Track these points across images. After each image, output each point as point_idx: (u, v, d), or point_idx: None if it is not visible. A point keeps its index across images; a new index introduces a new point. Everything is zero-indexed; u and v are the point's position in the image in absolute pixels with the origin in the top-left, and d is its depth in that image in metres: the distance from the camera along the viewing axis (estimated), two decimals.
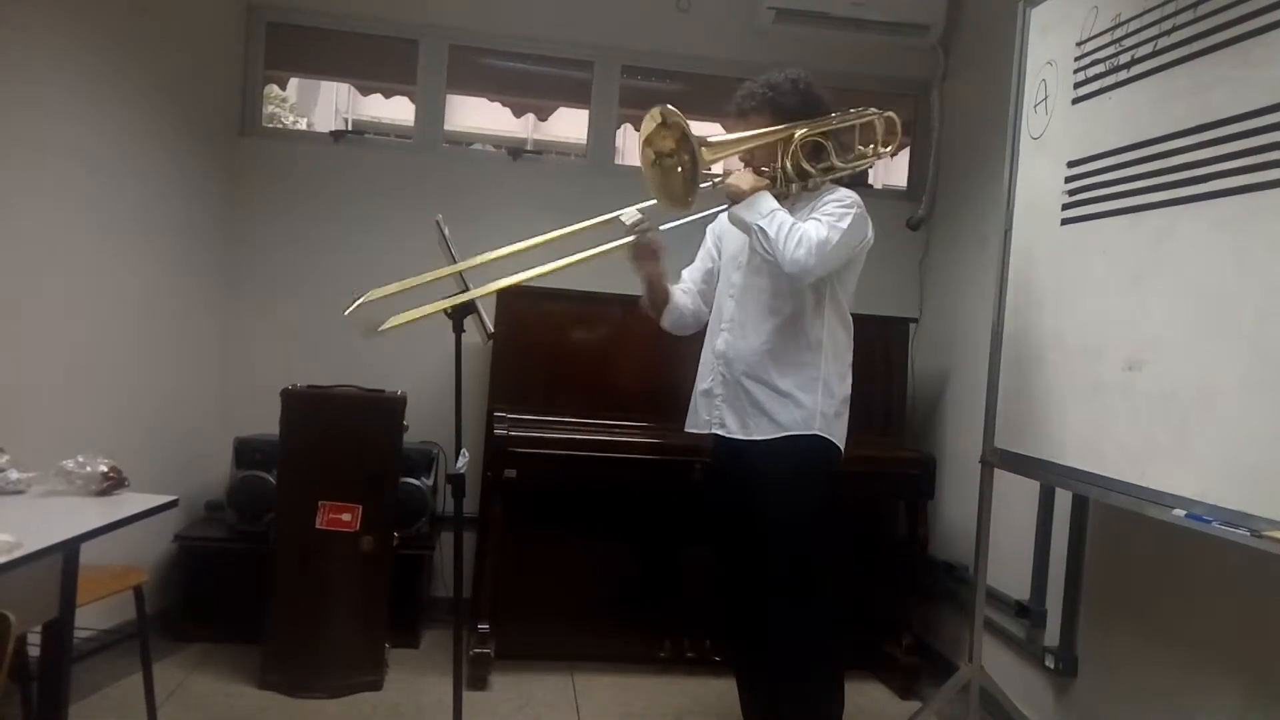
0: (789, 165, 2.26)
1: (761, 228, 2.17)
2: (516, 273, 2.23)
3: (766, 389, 2.30)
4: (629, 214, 2.29)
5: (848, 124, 2.35)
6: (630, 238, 2.30)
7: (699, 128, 2.17)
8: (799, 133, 2.26)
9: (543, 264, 2.23)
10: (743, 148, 2.29)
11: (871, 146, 2.38)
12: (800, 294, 2.29)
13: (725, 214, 2.34)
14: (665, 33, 3.85)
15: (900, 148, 2.41)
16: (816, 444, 2.29)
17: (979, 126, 3.50)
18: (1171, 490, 1.92)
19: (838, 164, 2.32)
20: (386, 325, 2.08)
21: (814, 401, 2.29)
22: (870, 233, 2.33)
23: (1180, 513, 1.87)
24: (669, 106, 2.12)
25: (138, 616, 2.50)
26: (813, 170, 2.29)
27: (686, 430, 2.50)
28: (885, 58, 3.87)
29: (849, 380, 2.39)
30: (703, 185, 2.20)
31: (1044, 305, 2.46)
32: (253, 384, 3.41)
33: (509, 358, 3.35)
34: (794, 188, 2.30)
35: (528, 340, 3.37)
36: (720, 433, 2.38)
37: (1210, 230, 1.89)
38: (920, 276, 3.94)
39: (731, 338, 2.38)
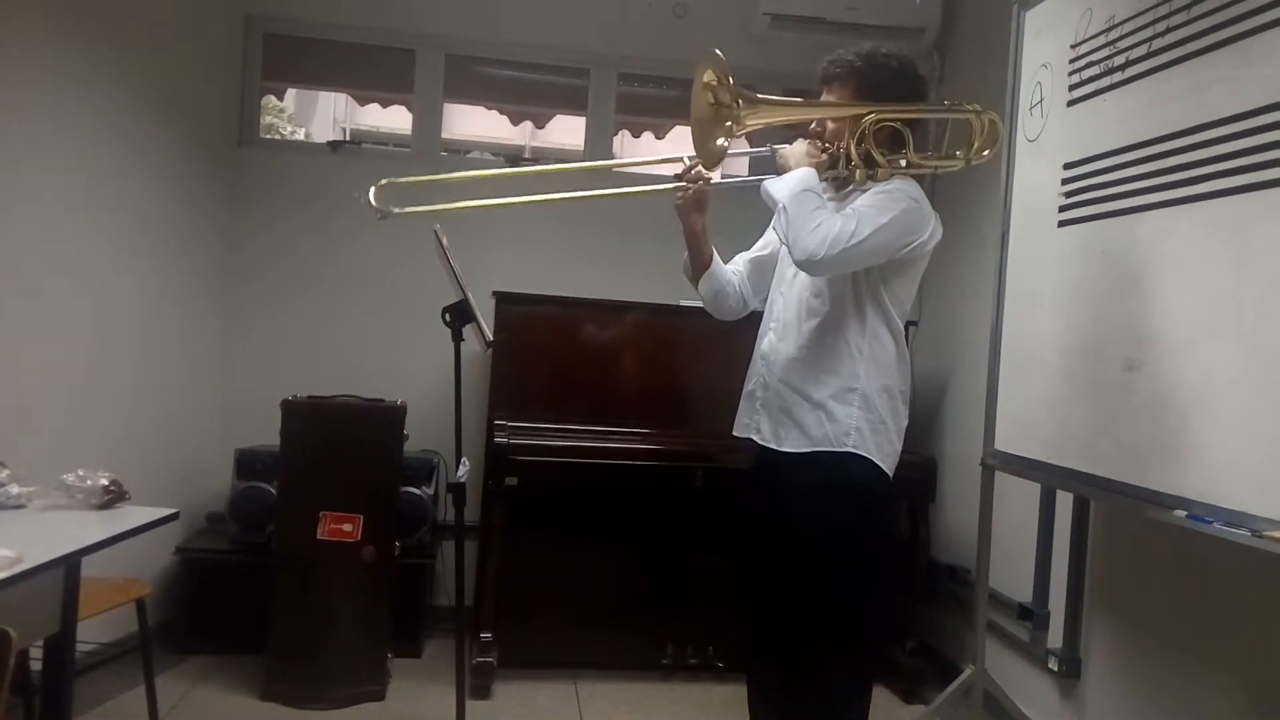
0: (855, 149, 2.04)
1: (785, 206, 1.99)
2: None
3: (800, 397, 2.11)
4: (690, 157, 2.17)
5: (934, 116, 2.12)
6: (685, 183, 2.17)
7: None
8: (870, 116, 2.03)
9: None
10: (789, 115, 2.15)
11: (962, 151, 2.13)
12: (842, 295, 2.09)
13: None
14: (661, 39, 3.86)
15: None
16: (851, 462, 2.06)
17: None
18: (1172, 491, 1.92)
19: (914, 159, 2.08)
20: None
21: (849, 415, 2.07)
22: (929, 233, 2.08)
23: (1181, 513, 1.87)
24: (718, 54, 1.95)
25: (140, 629, 2.50)
26: (882, 160, 2.05)
27: (733, 434, 2.31)
28: None
29: (897, 394, 2.13)
30: (757, 151, 2.11)
31: (1042, 307, 2.46)
32: (253, 395, 3.41)
33: (508, 365, 3.35)
34: (858, 174, 2.07)
35: (527, 347, 3.37)
36: (756, 439, 2.22)
37: (1208, 230, 1.89)
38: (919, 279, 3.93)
39: (775, 338, 2.20)
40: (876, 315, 2.11)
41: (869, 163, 2.06)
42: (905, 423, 2.17)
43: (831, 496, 2.08)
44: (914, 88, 2.12)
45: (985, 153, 2.13)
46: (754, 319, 2.33)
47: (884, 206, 2.00)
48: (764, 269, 2.35)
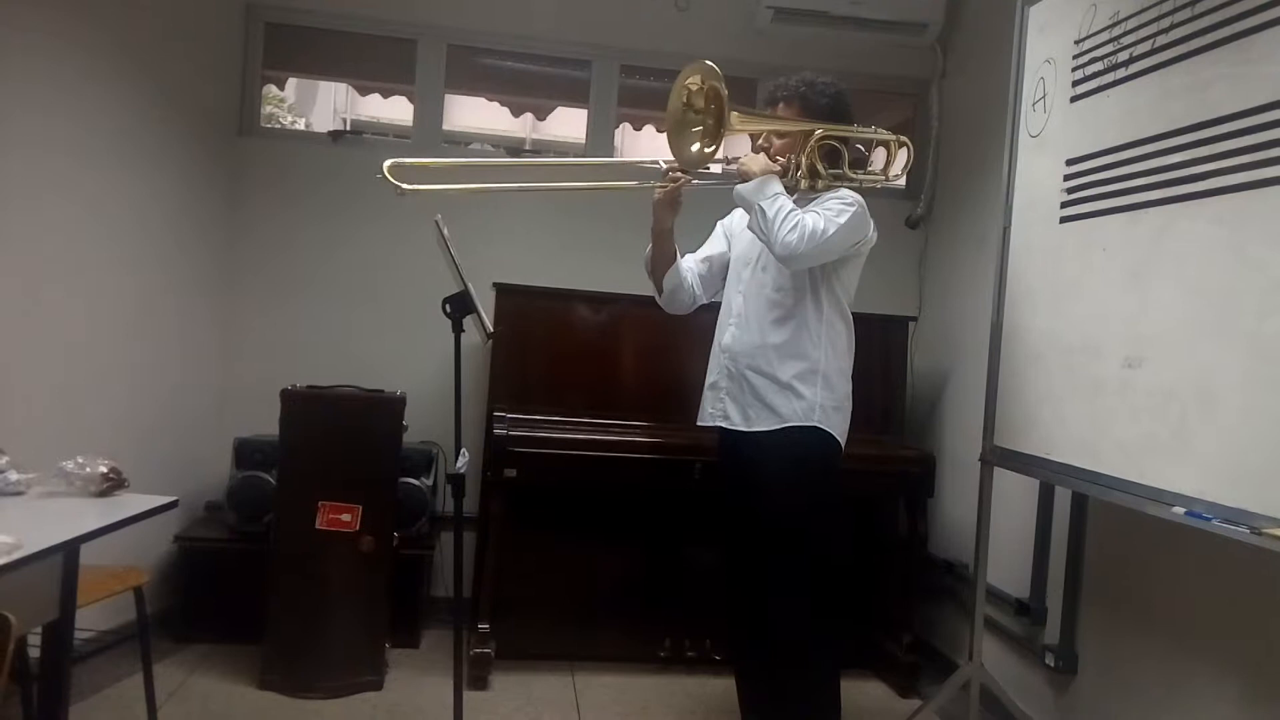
0: (803, 160, 2.34)
1: (762, 208, 2.23)
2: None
3: (768, 380, 2.36)
4: (667, 160, 2.38)
5: (866, 137, 2.43)
6: (667, 182, 2.38)
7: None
8: (819, 131, 2.34)
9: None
10: (771, 126, 2.40)
11: (882, 169, 2.46)
12: (802, 289, 2.35)
13: (736, 210, 2.43)
14: (663, 32, 3.85)
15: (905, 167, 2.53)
16: (816, 436, 2.34)
17: (978, 125, 3.50)
18: (1171, 488, 1.92)
19: (848, 173, 2.40)
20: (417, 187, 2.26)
21: (814, 394, 2.34)
22: (872, 233, 2.39)
23: (1180, 510, 1.87)
24: (710, 64, 2.17)
25: (138, 617, 2.50)
26: (823, 172, 2.36)
27: (697, 424, 2.54)
28: (884, 56, 3.87)
29: (849, 376, 2.43)
30: (715, 164, 2.28)
31: (1043, 303, 2.47)
32: (252, 384, 3.41)
33: (508, 357, 3.35)
34: (803, 184, 2.36)
35: (527, 339, 3.37)
36: (723, 425, 2.44)
37: (1209, 228, 1.89)
38: (919, 275, 3.94)
39: (738, 331, 2.44)
40: (831, 304, 2.39)
41: (813, 174, 2.36)
42: (851, 402, 2.44)
43: (801, 467, 2.33)
44: (846, 112, 2.42)
45: (893, 168, 2.47)
46: None
47: (840, 209, 2.28)
48: (714, 269, 2.61)
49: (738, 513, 2.46)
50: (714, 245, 2.64)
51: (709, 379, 2.51)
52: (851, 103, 2.44)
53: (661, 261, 2.55)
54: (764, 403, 2.36)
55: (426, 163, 2.42)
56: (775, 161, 2.36)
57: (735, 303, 2.48)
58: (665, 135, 2.29)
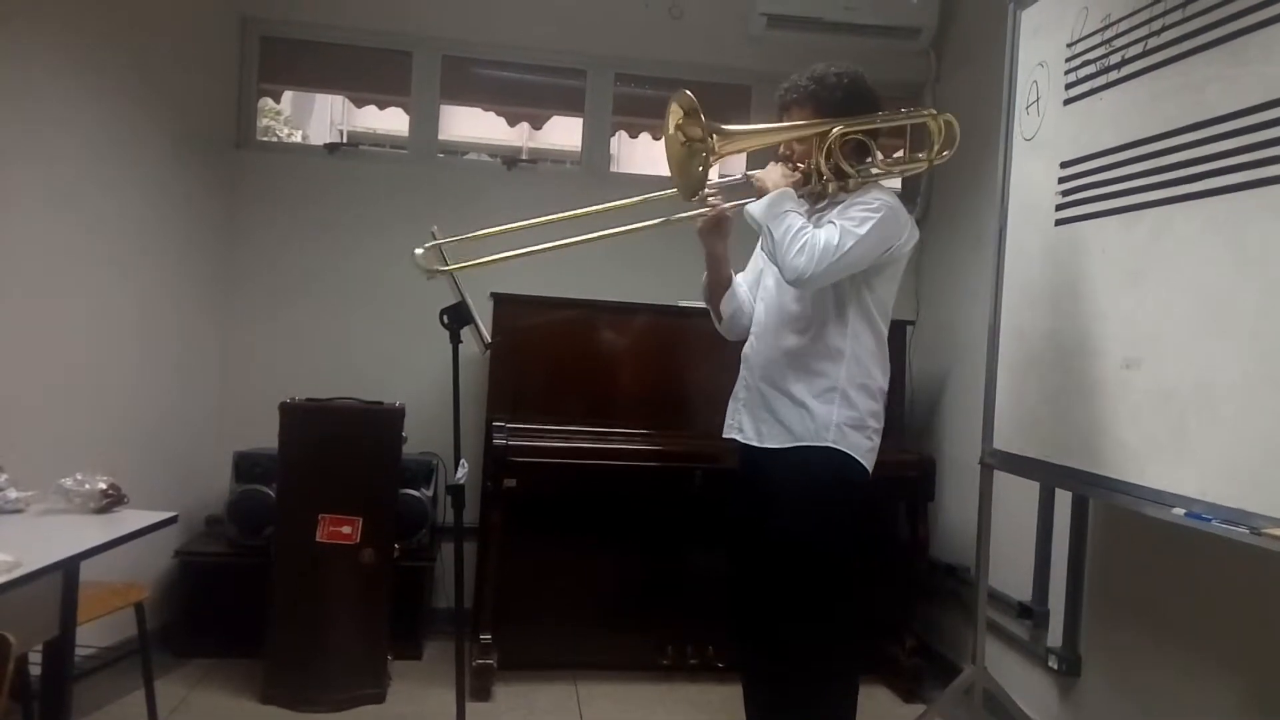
0: (824, 163, 2.16)
1: (769, 229, 2.10)
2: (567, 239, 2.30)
3: (782, 395, 2.22)
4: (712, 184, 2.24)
5: (894, 124, 2.24)
6: (705, 208, 2.24)
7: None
8: (836, 130, 2.15)
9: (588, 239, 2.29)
10: (762, 141, 2.26)
11: (924, 151, 2.25)
12: (822, 299, 2.19)
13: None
14: (658, 40, 3.86)
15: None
16: (830, 456, 2.16)
17: (972, 128, 3.48)
18: (1171, 489, 1.92)
19: (880, 166, 2.22)
20: (450, 267, 2.13)
21: (828, 412, 2.17)
22: (906, 235, 2.19)
23: (1180, 511, 1.87)
24: (686, 93, 2.07)
25: (139, 633, 2.49)
26: (852, 171, 2.18)
27: (723, 436, 2.41)
28: (878, 61, 3.82)
29: (877, 392, 2.23)
30: (733, 179, 2.17)
31: (1040, 306, 2.47)
32: (251, 397, 3.41)
33: (507, 367, 3.35)
34: (831, 187, 2.19)
35: (525, 349, 3.37)
36: (738, 437, 2.33)
37: (1205, 228, 1.89)
38: (916, 278, 3.94)
39: (757, 342, 2.32)
40: (859, 316, 2.21)
41: (839, 175, 2.18)
42: (882, 421, 2.26)
43: (812, 488, 2.18)
44: (867, 100, 2.23)
45: (945, 153, 2.24)
46: None
47: (862, 218, 2.10)
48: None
49: (742, 524, 2.37)
50: (758, 259, 2.48)
51: (735, 388, 2.39)
52: (872, 88, 2.24)
53: (716, 288, 2.40)
54: (777, 418, 2.21)
55: (459, 240, 2.29)
56: (796, 169, 2.21)
57: (758, 311, 2.36)
58: (669, 167, 2.16)
